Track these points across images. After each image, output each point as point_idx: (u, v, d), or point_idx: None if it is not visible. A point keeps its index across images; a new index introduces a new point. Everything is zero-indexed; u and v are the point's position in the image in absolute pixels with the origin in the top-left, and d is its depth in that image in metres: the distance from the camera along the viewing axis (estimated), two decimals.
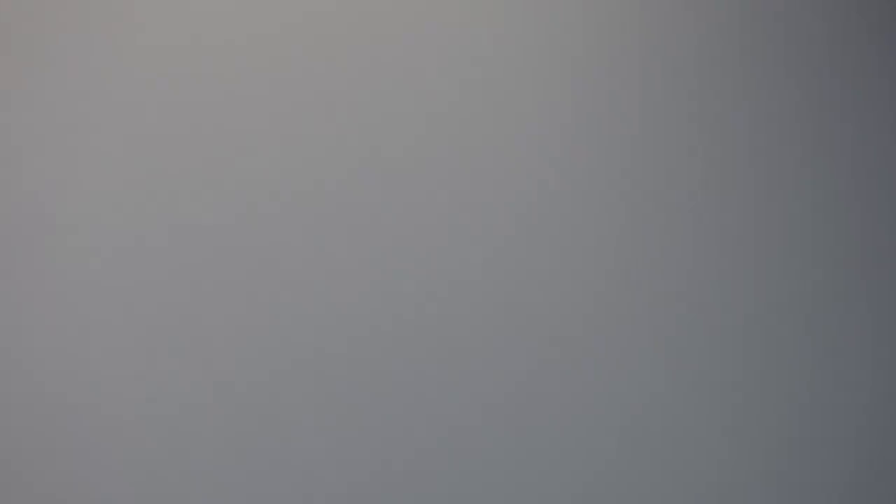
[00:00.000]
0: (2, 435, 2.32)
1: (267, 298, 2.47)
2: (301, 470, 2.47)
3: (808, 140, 2.81)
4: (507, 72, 2.64)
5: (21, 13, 2.38)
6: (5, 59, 2.38)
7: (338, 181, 2.52)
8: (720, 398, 2.70)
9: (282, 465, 2.46)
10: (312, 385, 2.48)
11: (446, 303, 2.56)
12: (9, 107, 2.37)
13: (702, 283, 2.71)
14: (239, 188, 2.47)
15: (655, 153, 2.71)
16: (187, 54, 2.46)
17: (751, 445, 2.71)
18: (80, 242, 2.39)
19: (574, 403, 2.62)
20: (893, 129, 2.87)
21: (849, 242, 2.81)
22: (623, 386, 2.65)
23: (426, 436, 2.53)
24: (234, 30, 2.49)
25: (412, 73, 2.58)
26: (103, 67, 2.42)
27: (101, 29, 2.42)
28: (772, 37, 2.81)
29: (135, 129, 2.42)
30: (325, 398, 2.48)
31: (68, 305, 2.37)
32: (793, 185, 2.79)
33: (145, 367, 2.40)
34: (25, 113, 2.38)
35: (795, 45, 2.82)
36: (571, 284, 2.63)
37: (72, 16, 2.41)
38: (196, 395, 2.42)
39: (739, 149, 2.76)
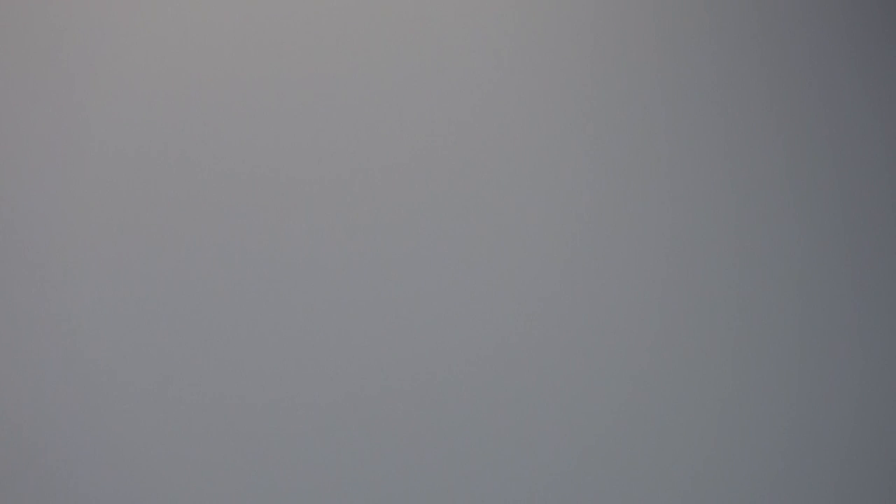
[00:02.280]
0: (2, 435, 2.32)
1: (271, 300, 2.47)
2: (302, 472, 2.47)
3: (806, 137, 2.83)
4: (510, 74, 2.65)
5: (21, 13, 2.39)
6: (5, 59, 2.38)
7: (338, 182, 2.52)
8: (721, 398, 2.71)
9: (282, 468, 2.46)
10: (318, 394, 2.48)
11: (446, 306, 2.57)
12: (8, 107, 2.37)
13: (701, 284, 2.72)
14: (240, 192, 2.47)
15: (655, 155, 2.72)
16: (186, 54, 2.47)
17: (752, 446, 2.72)
18: (79, 242, 2.39)
19: (573, 405, 2.62)
20: (893, 129, 2.89)
21: (849, 241, 2.82)
22: (621, 385, 2.65)
23: (425, 435, 2.54)
24: (233, 30, 2.50)
25: (410, 76, 2.59)
26: (103, 67, 2.43)
27: (101, 29, 2.43)
28: (769, 34, 2.83)
29: (135, 129, 2.43)
30: (331, 407, 2.48)
31: (68, 307, 2.37)
32: (791, 184, 2.80)
33: (144, 369, 2.40)
34: (25, 114, 2.38)
35: (791, 43, 2.84)
36: (570, 283, 2.64)
37: (71, 16, 2.42)
38: (195, 396, 2.42)
39: (738, 149, 2.78)
